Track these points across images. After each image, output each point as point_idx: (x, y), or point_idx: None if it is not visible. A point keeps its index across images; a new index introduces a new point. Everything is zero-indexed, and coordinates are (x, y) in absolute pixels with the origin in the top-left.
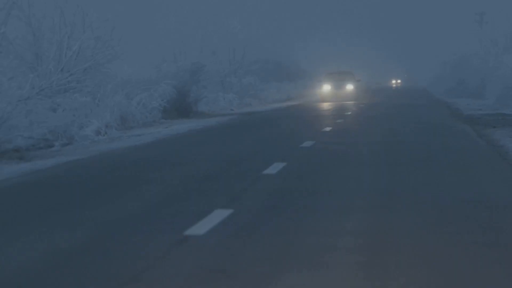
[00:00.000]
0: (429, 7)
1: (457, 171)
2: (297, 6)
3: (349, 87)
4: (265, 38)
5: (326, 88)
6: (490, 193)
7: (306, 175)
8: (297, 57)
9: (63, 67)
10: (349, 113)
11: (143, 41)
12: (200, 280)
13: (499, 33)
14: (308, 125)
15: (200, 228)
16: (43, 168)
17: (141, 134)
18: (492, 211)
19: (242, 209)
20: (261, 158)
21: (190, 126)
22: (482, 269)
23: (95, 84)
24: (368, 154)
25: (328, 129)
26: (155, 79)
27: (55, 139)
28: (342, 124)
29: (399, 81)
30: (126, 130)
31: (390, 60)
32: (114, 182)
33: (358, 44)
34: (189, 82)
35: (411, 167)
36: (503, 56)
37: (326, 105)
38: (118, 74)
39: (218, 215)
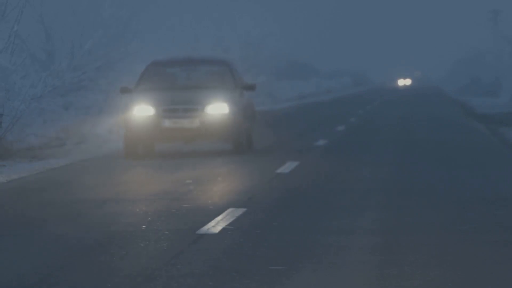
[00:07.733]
0: (443, 4)
1: (472, 170)
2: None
3: (218, 109)
4: (277, 36)
5: (141, 114)
6: (506, 191)
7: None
8: (309, 54)
9: (75, 66)
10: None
11: (157, 39)
12: (214, 279)
13: None
14: None
15: (214, 227)
16: (56, 167)
17: None
18: (510, 210)
19: (255, 207)
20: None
21: None
22: (500, 268)
23: (107, 82)
24: None
25: None
26: None
27: (68, 138)
28: None
29: (408, 80)
30: None
31: (402, 58)
32: (126, 180)
33: (367, 44)
34: None
35: (426, 165)
36: None
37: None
38: (131, 72)
39: (232, 214)
